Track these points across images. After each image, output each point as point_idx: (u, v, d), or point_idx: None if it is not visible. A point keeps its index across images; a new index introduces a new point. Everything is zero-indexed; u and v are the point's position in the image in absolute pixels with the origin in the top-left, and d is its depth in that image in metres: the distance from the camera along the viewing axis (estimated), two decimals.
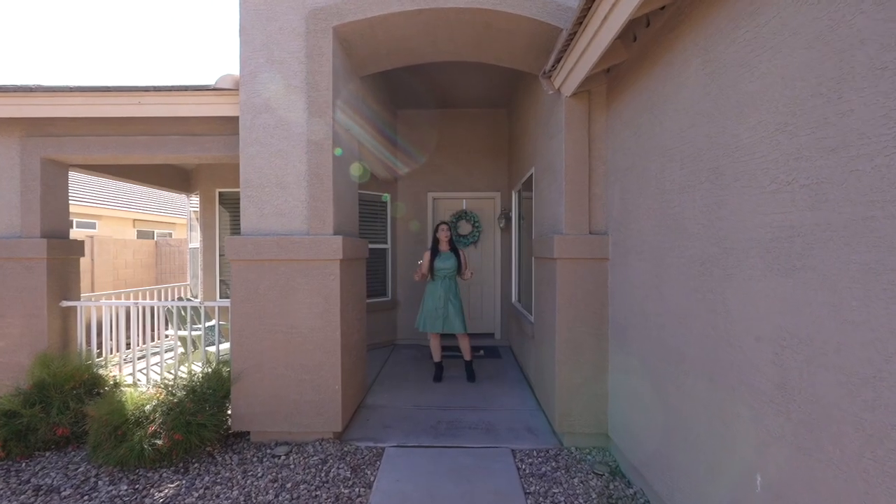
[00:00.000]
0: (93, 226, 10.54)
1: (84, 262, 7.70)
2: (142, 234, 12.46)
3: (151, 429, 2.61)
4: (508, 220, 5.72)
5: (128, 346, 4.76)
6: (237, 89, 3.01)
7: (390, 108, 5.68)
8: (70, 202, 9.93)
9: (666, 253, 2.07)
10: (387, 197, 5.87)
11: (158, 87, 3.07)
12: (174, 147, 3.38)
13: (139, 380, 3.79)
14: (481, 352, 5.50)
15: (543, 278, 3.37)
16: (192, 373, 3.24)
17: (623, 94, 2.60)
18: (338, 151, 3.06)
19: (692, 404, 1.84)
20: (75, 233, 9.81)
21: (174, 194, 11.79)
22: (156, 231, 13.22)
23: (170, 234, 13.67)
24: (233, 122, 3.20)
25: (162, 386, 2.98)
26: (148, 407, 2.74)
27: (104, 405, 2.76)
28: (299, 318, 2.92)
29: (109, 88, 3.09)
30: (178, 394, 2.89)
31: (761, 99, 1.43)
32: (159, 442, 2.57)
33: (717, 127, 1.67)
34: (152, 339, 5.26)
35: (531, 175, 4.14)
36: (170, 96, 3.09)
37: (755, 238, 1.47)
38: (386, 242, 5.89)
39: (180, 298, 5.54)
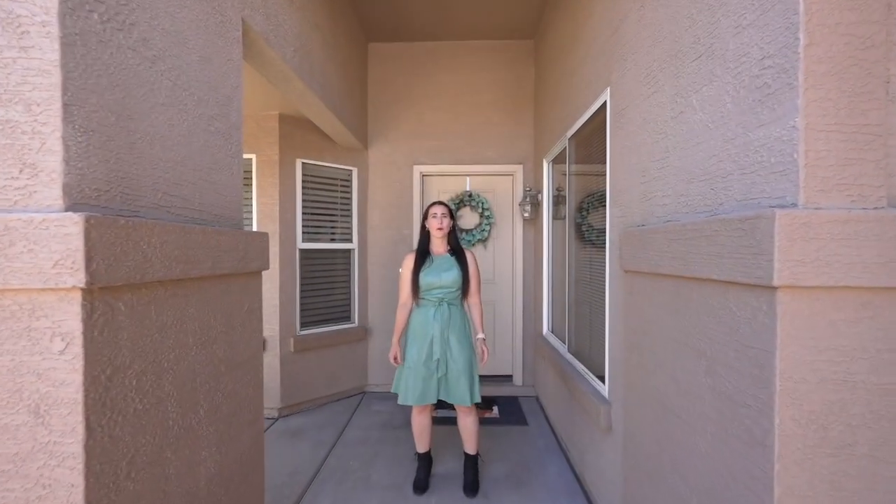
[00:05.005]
0: None
1: None
2: None
3: None
4: (536, 205, 3.74)
5: None
6: None
7: (359, 41, 3.71)
8: None
9: None
10: (352, 172, 3.91)
11: None
12: None
13: None
14: (494, 409, 3.53)
15: (662, 327, 1.39)
16: None
17: None
18: None
19: None
20: None
21: None
22: None
23: None
24: None
25: None
26: None
27: None
28: None
29: None
30: None
31: None
32: None
33: None
34: None
35: (601, 107, 2.15)
36: None
37: None
38: (351, 240, 3.92)
39: None
